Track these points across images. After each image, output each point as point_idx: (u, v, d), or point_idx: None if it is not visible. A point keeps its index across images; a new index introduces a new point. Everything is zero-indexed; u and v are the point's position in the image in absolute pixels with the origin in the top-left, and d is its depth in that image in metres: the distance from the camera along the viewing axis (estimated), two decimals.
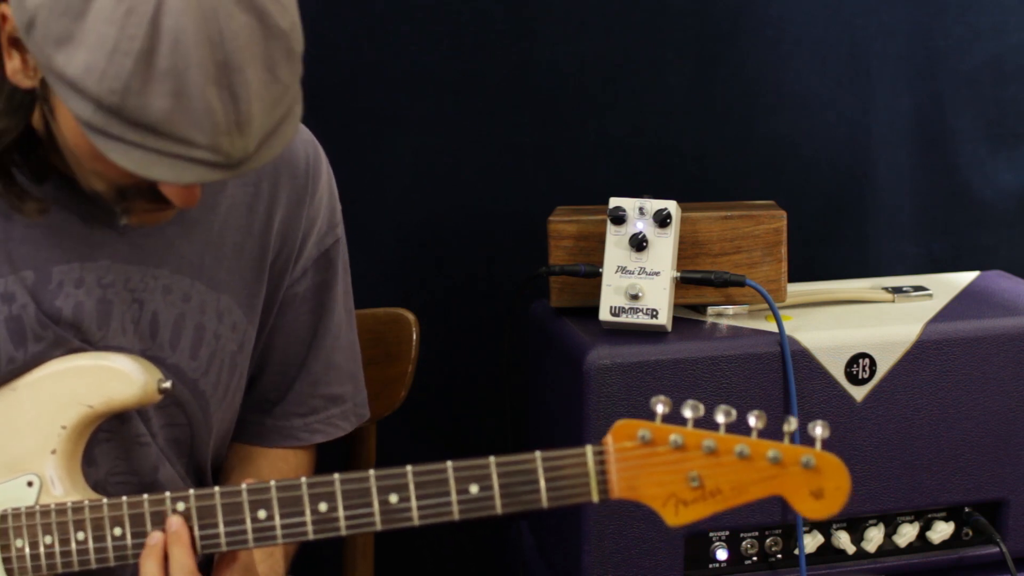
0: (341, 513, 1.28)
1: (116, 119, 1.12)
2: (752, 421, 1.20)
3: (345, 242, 1.58)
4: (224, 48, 1.12)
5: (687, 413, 1.21)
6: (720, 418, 1.21)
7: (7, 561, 1.32)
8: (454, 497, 1.26)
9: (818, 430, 1.19)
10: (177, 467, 1.47)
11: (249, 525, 1.29)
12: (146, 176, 1.16)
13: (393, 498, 1.27)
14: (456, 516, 1.27)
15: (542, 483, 1.25)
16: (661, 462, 1.22)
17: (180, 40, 1.10)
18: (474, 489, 1.26)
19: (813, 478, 1.20)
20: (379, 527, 1.28)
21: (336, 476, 1.28)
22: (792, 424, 1.20)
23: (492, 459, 1.26)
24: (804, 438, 1.22)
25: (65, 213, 1.35)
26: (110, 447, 1.42)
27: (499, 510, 1.26)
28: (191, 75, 1.11)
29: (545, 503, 1.26)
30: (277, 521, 1.28)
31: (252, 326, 1.49)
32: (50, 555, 1.32)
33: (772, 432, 1.21)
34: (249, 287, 1.47)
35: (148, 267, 1.40)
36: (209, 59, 1.11)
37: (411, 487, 1.27)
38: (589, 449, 1.25)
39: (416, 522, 1.27)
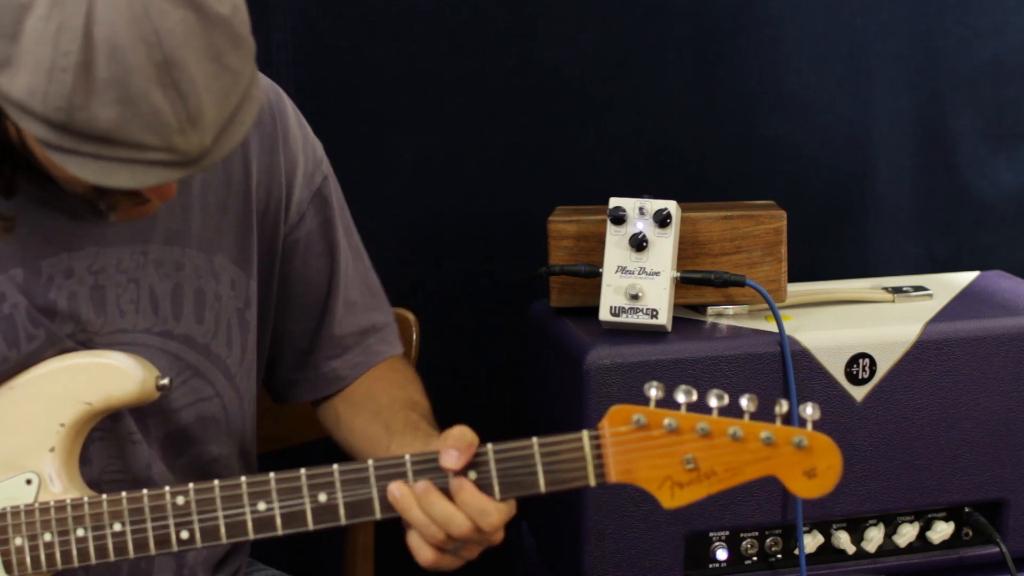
0: (340, 502, 1.28)
1: (67, 134, 1.12)
2: (744, 404, 1.22)
3: (336, 180, 1.57)
4: (162, 47, 1.11)
5: (680, 398, 1.23)
6: (713, 402, 1.22)
7: (6, 557, 1.32)
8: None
9: (808, 411, 1.21)
10: (201, 448, 1.47)
11: (248, 516, 1.29)
12: (106, 185, 1.16)
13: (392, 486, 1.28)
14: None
15: (539, 468, 1.26)
16: (656, 445, 1.24)
17: (116, 47, 1.10)
18: (472, 475, 1.27)
19: (805, 458, 1.21)
20: (379, 516, 1.28)
21: (335, 466, 1.28)
22: (784, 406, 1.21)
23: (490, 445, 1.27)
24: (796, 420, 1.23)
25: (47, 210, 1.35)
26: (103, 445, 1.42)
27: (498, 496, 1.27)
28: (133, 80, 1.10)
29: (543, 488, 1.26)
30: (277, 511, 1.29)
31: (253, 280, 1.48)
32: (50, 552, 1.32)
33: (764, 415, 1.22)
34: (240, 242, 1.47)
35: (136, 244, 1.40)
36: (148, 61, 1.10)
37: (410, 474, 1.27)
38: (585, 434, 1.26)
39: None
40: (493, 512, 1.27)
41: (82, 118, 1.11)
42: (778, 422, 1.22)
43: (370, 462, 1.28)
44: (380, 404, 1.53)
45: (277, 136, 1.49)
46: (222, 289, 1.45)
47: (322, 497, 1.28)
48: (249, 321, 1.48)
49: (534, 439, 1.27)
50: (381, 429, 1.48)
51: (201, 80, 1.13)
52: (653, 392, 1.24)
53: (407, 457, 1.28)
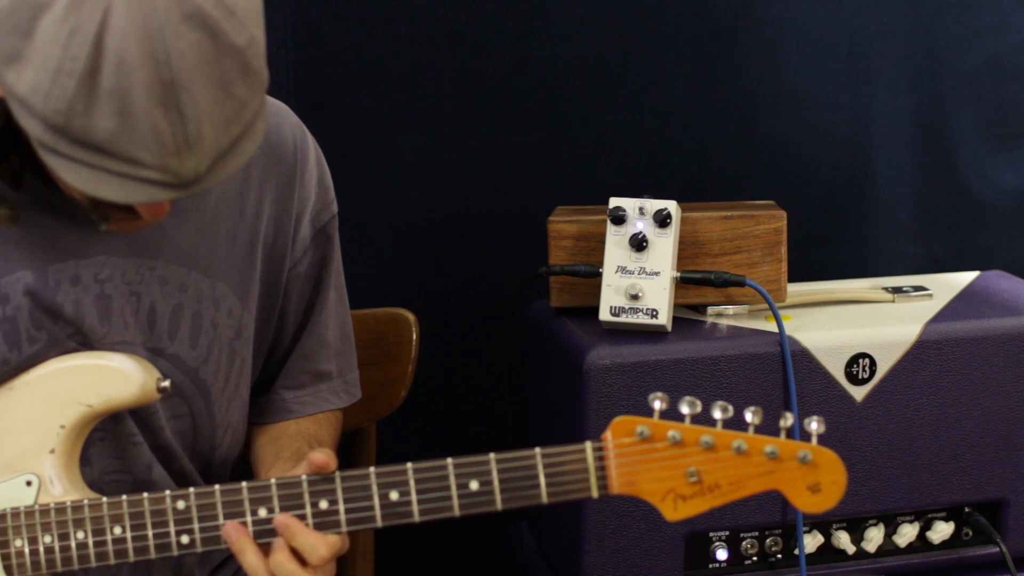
0: (342, 509, 1.28)
1: (64, 139, 1.12)
2: (749, 417, 1.21)
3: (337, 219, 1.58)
4: (170, 67, 1.10)
5: (684, 409, 1.23)
6: (717, 414, 1.22)
7: (6, 559, 1.32)
8: (454, 493, 1.27)
9: (814, 425, 1.21)
10: (182, 463, 1.47)
11: (249, 521, 1.29)
12: (96, 196, 1.15)
13: (394, 495, 1.27)
14: (456, 512, 1.27)
15: (542, 479, 1.26)
16: (660, 458, 1.24)
17: (124, 60, 1.09)
18: (474, 485, 1.27)
19: (810, 473, 1.21)
20: (380, 523, 1.28)
21: (337, 473, 1.28)
22: (788, 420, 1.21)
23: (492, 455, 1.27)
24: (801, 434, 1.23)
25: (56, 215, 1.35)
26: (104, 446, 1.42)
27: (499, 506, 1.27)
28: (135, 95, 1.10)
29: (545, 499, 1.26)
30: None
31: (248, 312, 1.48)
32: (49, 554, 1.32)
33: (769, 428, 1.22)
34: (243, 273, 1.47)
35: (144, 259, 1.40)
36: (154, 79, 1.10)
37: (411, 483, 1.27)
38: (588, 445, 1.25)
39: (417, 518, 1.27)
40: (322, 546, 1.27)
41: (79, 125, 1.11)
42: (782, 435, 1.22)
43: (372, 469, 1.28)
44: (283, 431, 1.54)
45: (295, 174, 1.49)
46: (219, 317, 1.45)
47: (323, 504, 1.28)
48: (237, 351, 1.48)
49: (537, 449, 1.27)
50: (271, 454, 1.48)
51: (204, 105, 1.12)
52: (657, 404, 1.23)
53: (409, 466, 1.28)
